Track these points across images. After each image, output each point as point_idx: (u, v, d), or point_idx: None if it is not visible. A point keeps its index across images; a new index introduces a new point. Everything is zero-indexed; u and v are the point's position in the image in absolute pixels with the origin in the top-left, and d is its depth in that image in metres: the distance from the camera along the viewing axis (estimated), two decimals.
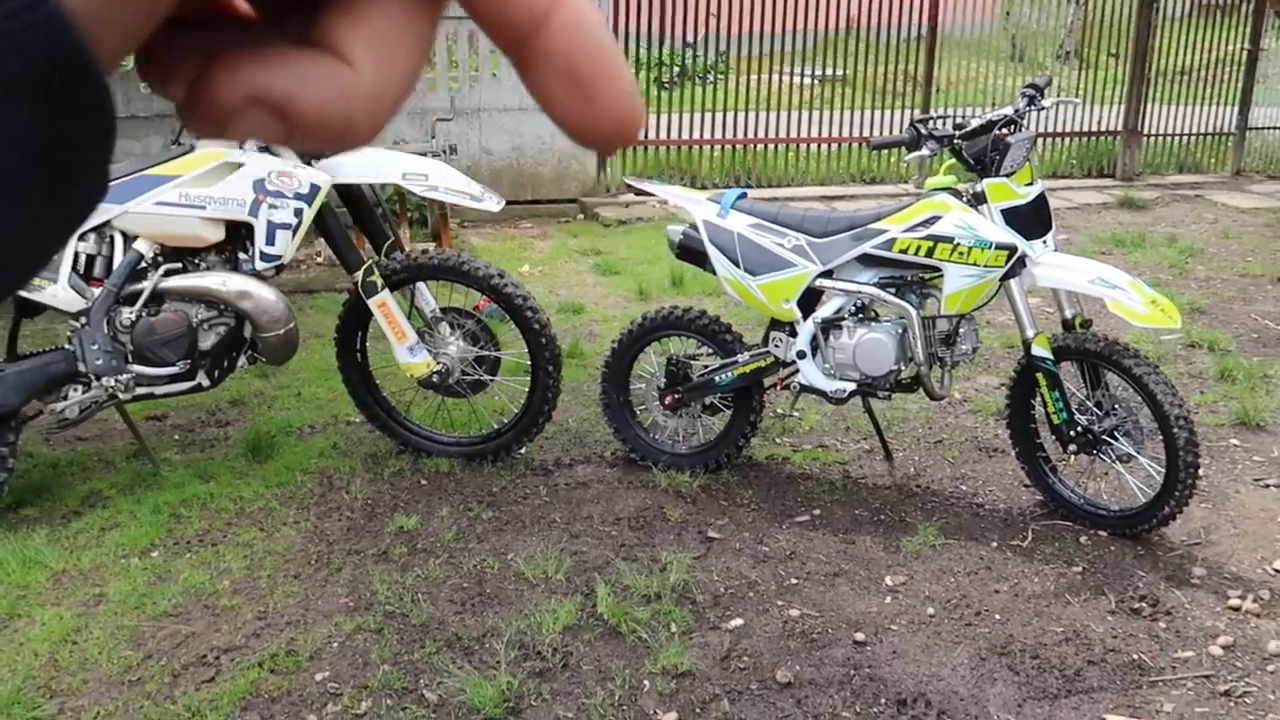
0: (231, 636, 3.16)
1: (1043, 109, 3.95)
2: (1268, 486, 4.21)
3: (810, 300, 3.97)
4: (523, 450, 4.34)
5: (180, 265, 3.85)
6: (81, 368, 3.78)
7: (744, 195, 4.09)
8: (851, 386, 3.95)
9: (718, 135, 9.55)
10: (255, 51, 0.34)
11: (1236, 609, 3.38)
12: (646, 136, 9.22)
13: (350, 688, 2.97)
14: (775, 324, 4.07)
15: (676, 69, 10.02)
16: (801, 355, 3.97)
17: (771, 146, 9.82)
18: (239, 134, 0.34)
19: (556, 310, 6.15)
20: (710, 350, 4.21)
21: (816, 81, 10.66)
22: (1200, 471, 3.69)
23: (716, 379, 4.12)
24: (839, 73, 10.27)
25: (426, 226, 7.51)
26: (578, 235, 8.01)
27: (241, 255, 3.84)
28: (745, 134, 9.65)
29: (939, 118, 4.12)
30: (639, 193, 4.25)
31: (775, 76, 10.17)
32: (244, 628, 3.20)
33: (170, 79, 0.35)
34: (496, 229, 8.07)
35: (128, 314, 3.80)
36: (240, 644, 3.13)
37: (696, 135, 9.48)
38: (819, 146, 10.04)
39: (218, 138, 0.35)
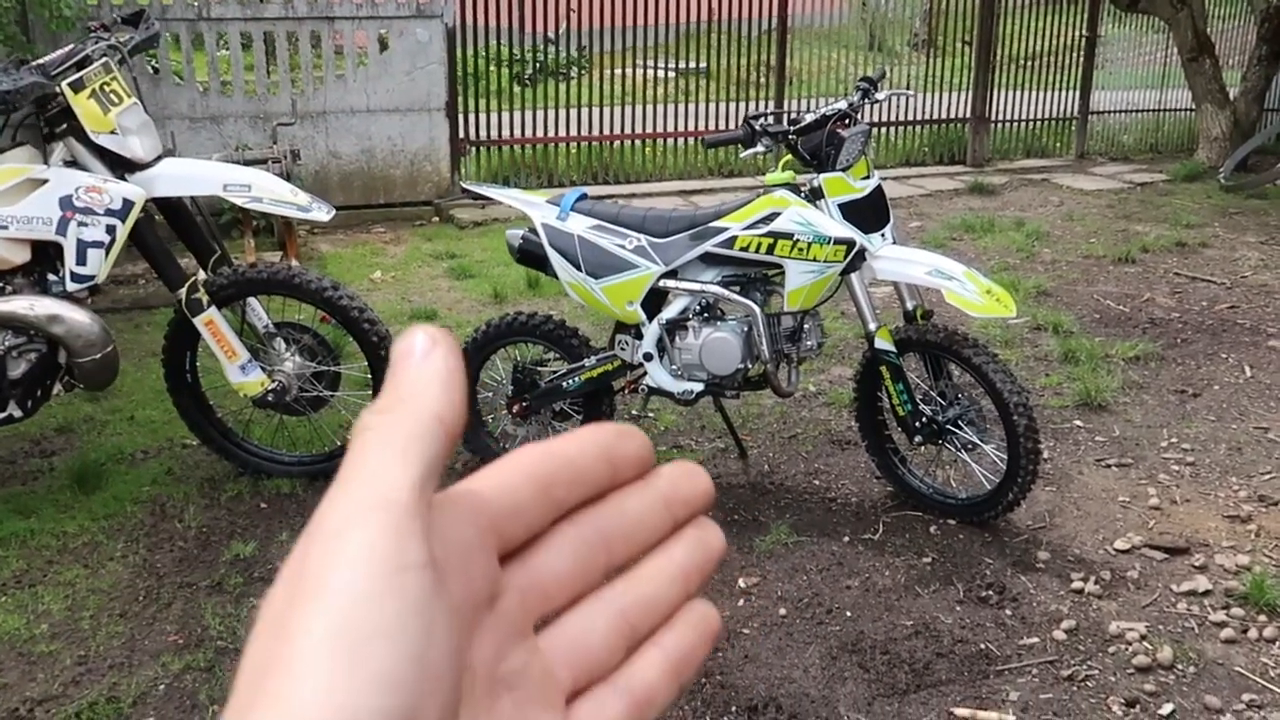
0: (48, 685, 2.96)
1: (877, 102, 3.95)
2: (1109, 466, 4.30)
3: (655, 301, 3.91)
4: None
5: None
6: None
7: (584, 196, 4.01)
8: (699, 387, 3.90)
9: (574, 132, 9.44)
10: None
11: (1079, 592, 3.43)
12: (502, 136, 9.08)
13: None
14: (621, 327, 4.00)
15: (536, 65, 9.89)
16: (648, 357, 3.91)
17: (630, 142, 9.75)
18: None
19: (409, 317, 5.99)
20: (557, 355, 4.12)
21: (676, 75, 10.64)
22: (1043, 456, 3.74)
23: (564, 384, 4.03)
24: (699, 65, 10.27)
25: (273, 235, 7.26)
26: (432, 239, 7.83)
27: (51, 276, 3.61)
28: (604, 129, 9.56)
29: (773, 113, 4.08)
30: (478, 198, 4.13)
31: (635, 70, 10.11)
32: (62, 675, 3.00)
33: None
34: (348, 235, 7.85)
35: None
36: (57, 693, 2.93)
37: (554, 133, 9.35)
38: (677, 141, 10.01)
39: None
